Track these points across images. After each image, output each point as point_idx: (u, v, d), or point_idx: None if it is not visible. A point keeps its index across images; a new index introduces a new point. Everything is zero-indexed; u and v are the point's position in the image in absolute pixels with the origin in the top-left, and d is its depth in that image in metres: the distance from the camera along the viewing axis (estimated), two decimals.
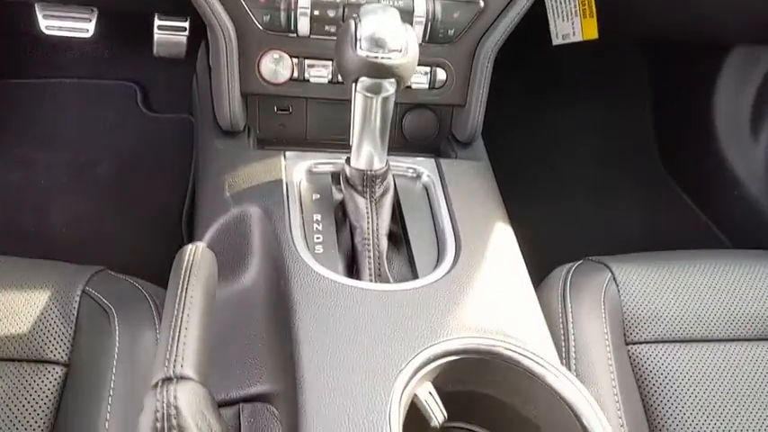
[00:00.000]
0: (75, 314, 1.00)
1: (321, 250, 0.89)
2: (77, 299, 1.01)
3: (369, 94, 0.90)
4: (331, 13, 1.13)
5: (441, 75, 1.15)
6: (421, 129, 1.23)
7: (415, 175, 1.13)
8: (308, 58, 1.16)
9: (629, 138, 2.18)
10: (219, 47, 1.11)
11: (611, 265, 1.17)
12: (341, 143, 1.26)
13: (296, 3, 1.11)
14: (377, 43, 0.86)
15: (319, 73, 1.16)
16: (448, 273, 0.85)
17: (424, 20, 1.15)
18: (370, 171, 0.98)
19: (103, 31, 1.66)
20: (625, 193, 2.07)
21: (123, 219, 1.81)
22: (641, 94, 2.21)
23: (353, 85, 0.90)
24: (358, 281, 0.84)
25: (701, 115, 1.94)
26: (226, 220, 0.93)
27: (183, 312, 0.68)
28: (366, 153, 0.96)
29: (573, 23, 1.60)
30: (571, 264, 1.19)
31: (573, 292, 1.08)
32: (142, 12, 1.44)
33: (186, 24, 1.40)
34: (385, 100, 0.92)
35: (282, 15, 1.12)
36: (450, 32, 1.18)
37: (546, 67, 2.09)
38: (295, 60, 1.16)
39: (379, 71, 0.87)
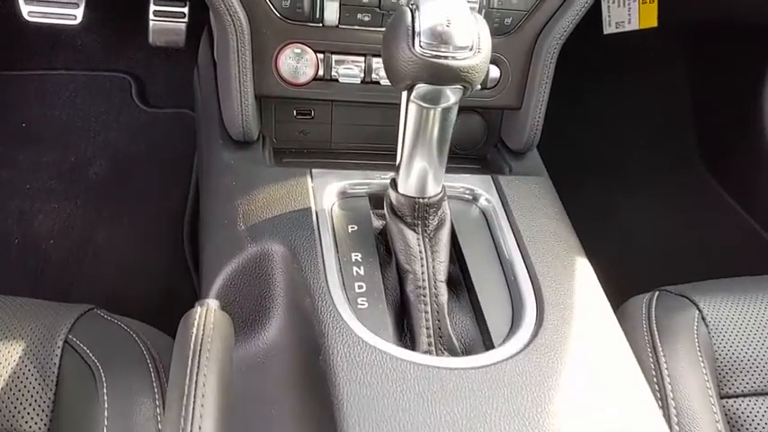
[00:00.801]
0: (56, 372, 0.81)
1: (365, 304, 0.70)
2: (59, 352, 0.82)
3: (426, 105, 0.71)
4: None
5: (494, 72, 0.98)
6: (466, 135, 1.10)
7: (470, 197, 0.94)
8: (335, 53, 0.96)
9: (672, 137, 2.00)
10: (228, 40, 0.91)
11: (697, 299, 0.98)
12: (372, 151, 1.07)
13: None
14: (441, 38, 0.66)
15: (349, 71, 0.96)
16: (532, 341, 0.66)
17: (477, 6, 0.96)
18: (423, 199, 0.78)
19: (94, 17, 1.46)
20: (672, 198, 1.89)
21: (118, 227, 1.66)
22: (681, 89, 2.02)
23: (406, 92, 0.71)
24: (415, 353, 0.65)
25: (747, 113, 1.75)
26: (241, 263, 0.75)
27: (194, 406, 0.50)
28: (418, 176, 0.77)
29: (630, 10, 1.40)
30: (648, 296, 1.00)
31: (662, 336, 0.90)
32: None
33: (185, 10, 1.26)
34: (446, 111, 0.72)
35: (306, 3, 0.92)
36: (507, 21, 0.99)
37: (579, 60, 1.88)
38: (320, 56, 0.96)
39: (443, 75, 0.67)
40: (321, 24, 0.95)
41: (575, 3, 0.97)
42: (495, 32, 0.97)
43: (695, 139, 1.97)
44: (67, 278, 1.62)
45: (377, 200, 0.88)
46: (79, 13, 1.47)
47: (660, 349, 0.88)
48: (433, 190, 0.78)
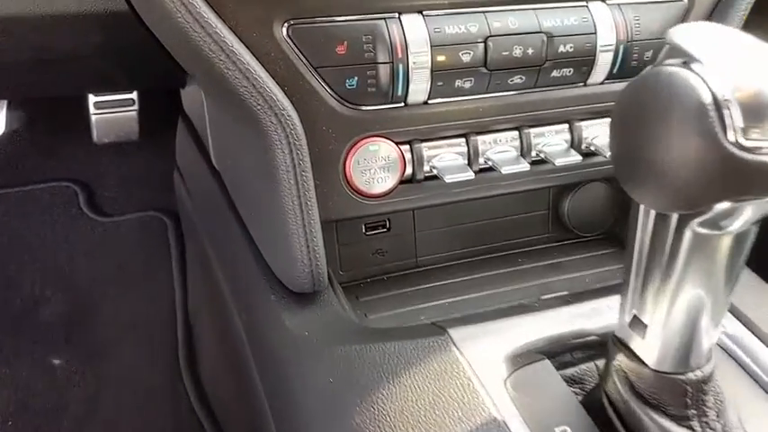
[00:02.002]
0: None
1: None
2: None
3: (714, 231, 0.40)
4: (466, 56, 0.62)
5: None
6: (590, 211, 0.84)
7: None
8: (426, 140, 0.65)
9: None
10: (275, 154, 0.59)
11: None
12: (470, 257, 0.81)
13: (403, 45, 0.59)
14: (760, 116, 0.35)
15: (454, 162, 0.66)
16: None
17: (613, 47, 0.66)
18: (695, 374, 0.46)
19: (21, 119, 1.35)
20: None
21: (94, 383, 1.30)
22: None
23: (676, 215, 0.40)
24: None
25: None
26: None
27: None
28: (683, 339, 0.46)
29: None
30: None
31: None
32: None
33: (134, 96, 1.11)
34: (741, 237, 0.41)
35: (381, 73, 0.60)
36: (647, 56, 0.70)
37: None
38: (403, 147, 0.64)
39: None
40: (403, 104, 0.63)
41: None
42: (630, 73, 0.69)
43: None
44: None
45: (563, 361, 0.56)
46: (0, 119, 1.17)
47: None
48: (706, 355, 0.47)
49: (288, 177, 0.60)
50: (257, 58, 0.57)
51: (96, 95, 1.14)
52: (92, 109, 1.10)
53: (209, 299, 1.00)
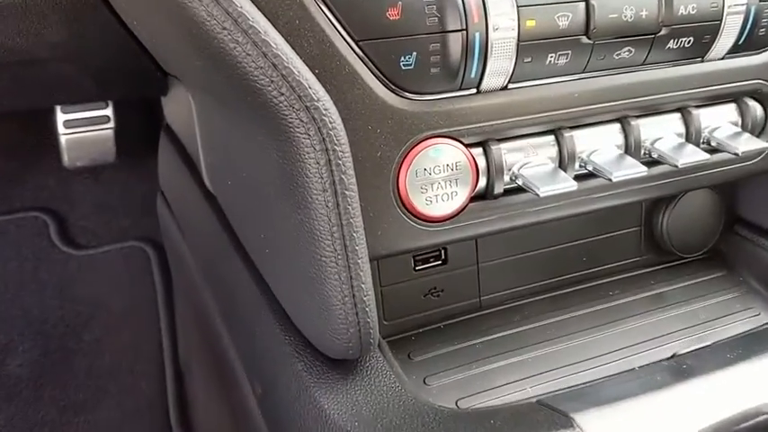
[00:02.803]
0: None
1: None
2: None
3: None
4: (563, 20, 0.45)
5: (755, 110, 0.58)
6: (692, 226, 0.67)
7: None
8: (505, 139, 0.47)
9: None
10: (305, 169, 0.40)
11: None
12: (541, 292, 0.64)
13: (481, 7, 0.43)
14: None
15: (539, 167, 0.48)
16: None
17: (743, 9, 0.52)
18: None
19: None
20: None
21: None
22: None
23: None
24: None
25: None
26: None
27: None
28: None
29: None
30: None
31: None
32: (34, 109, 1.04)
33: (109, 112, 1.01)
34: None
35: (450, 45, 0.43)
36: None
37: None
38: (475, 151, 0.46)
39: None
40: (476, 90, 0.45)
41: None
42: (756, 46, 0.52)
43: None
44: None
45: None
46: None
47: None
48: None
49: (324, 199, 0.41)
50: (278, 29, 0.39)
51: (65, 113, 1.02)
52: (60, 128, 1.00)
53: (205, 351, 0.82)
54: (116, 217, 1.38)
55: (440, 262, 0.59)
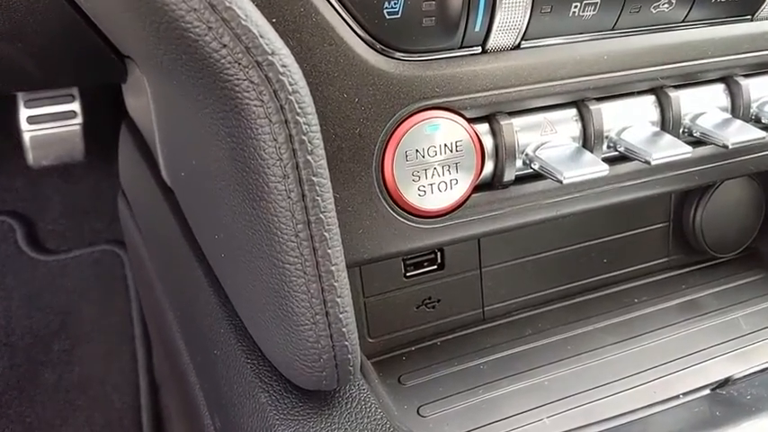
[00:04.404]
0: None
1: None
2: None
3: None
4: None
5: None
6: (728, 221, 0.59)
7: None
8: (517, 113, 0.37)
9: None
10: (258, 148, 0.31)
11: None
12: (552, 303, 0.55)
13: None
14: None
15: (559, 147, 0.38)
16: None
17: None
18: None
19: None
20: None
21: None
22: None
23: None
24: None
25: None
26: None
27: None
28: None
29: None
30: None
31: None
32: None
33: (76, 106, 0.96)
34: None
35: None
36: None
37: None
38: (480, 127, 0.36)
39: None
40: (481, 49, 0.36)
41: None
42: None
43: None
44: None
45: None
46: None
47: None
48: None
49: (284, 187, 0.32)
50: None
51: (29, 108, 0.96)
52: (24, 125, 0.95)
53: (169, 365, 0.73)
54: (87, 219, 1.31)
55: (435, 267, 0.50)
